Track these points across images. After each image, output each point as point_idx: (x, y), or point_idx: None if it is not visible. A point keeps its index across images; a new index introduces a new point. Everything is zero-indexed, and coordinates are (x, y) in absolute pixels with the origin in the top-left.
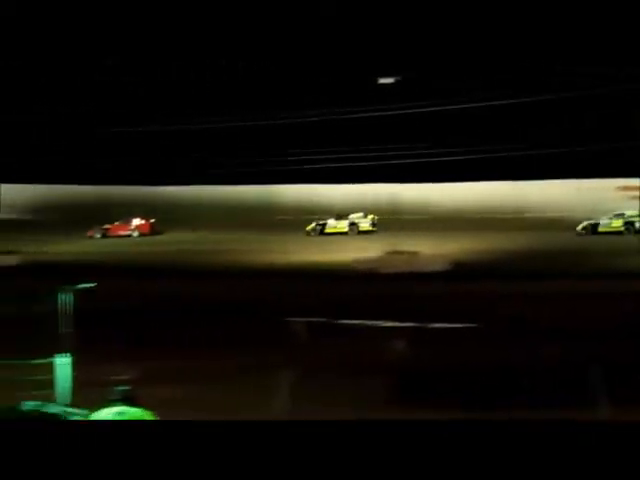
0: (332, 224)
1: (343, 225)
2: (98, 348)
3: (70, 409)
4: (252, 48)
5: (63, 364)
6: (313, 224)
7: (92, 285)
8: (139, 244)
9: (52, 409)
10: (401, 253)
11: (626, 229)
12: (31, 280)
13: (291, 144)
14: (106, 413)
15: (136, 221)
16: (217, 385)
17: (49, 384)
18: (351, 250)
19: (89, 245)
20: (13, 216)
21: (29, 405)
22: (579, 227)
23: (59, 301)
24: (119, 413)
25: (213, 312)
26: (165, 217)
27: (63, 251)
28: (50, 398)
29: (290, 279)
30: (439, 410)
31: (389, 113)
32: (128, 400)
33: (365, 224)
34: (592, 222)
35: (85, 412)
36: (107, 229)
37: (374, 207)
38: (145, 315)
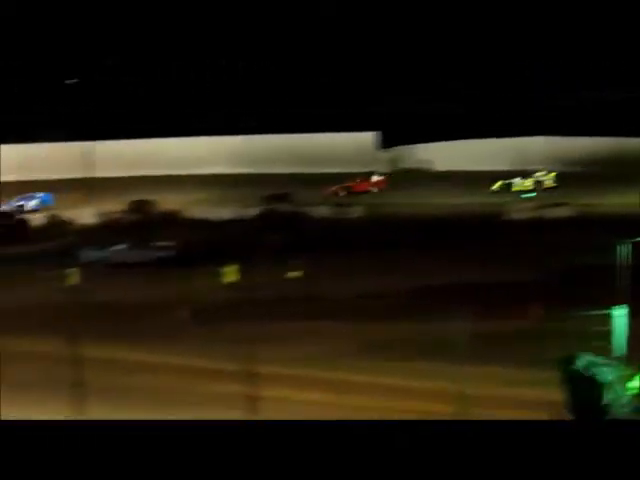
0: (518, 182)
1: (529, 183)
2: None
3: (618, 363)
4: (258, 48)
5: (620, 316)
6: (500, 182)
7: None
8: None
9: (602, 362)
10: None
11: None
12: (581, 232)
13: None
14: None
15: (375, 177)
16: None
17: (607, 336)
18: None
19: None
20: (569, 169)
21: (583, 358)
22: None
23: (617, 253)
24: None
25: None
26: None
27: (616, 203)
28: (606, 350)
29: None
30: None
31: None
32: None
33: (549, 181)
34: None
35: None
36: (351, 186)
37: None
38: None
